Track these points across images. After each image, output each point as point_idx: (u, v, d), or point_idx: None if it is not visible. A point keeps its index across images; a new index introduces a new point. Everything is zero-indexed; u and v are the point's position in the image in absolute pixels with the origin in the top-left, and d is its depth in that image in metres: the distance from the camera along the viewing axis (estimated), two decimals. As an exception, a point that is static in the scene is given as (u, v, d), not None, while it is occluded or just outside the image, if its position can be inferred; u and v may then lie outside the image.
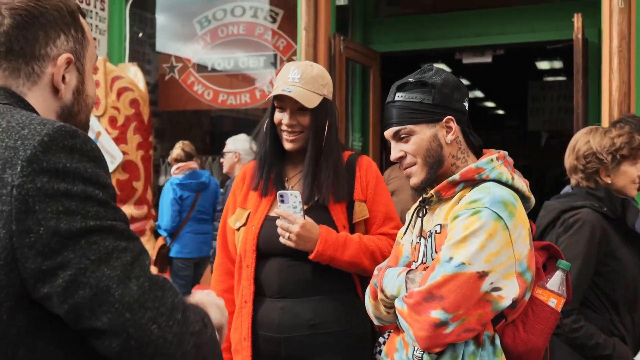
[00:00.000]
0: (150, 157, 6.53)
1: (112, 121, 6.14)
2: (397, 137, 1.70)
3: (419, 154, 1.67)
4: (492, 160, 1.64)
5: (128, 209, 5.97)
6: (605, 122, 5.20)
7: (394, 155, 1.71)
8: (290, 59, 6.58)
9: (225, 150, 4.84)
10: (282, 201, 2.00)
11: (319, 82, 2.07)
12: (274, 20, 6.69)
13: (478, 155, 1.73)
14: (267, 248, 2.07)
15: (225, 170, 4.87)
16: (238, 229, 2.14)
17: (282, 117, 2.07)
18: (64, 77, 1.15)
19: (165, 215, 5.00)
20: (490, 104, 16.64)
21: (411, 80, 1.68)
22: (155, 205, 7.09)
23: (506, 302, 1.52)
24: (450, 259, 1.51)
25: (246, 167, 2.25)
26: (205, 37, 7.01)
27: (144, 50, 7.46)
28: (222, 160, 4.84)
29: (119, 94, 6.18)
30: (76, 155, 0.99)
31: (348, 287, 2.10)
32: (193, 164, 5.20)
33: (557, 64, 11.55)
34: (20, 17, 1.09)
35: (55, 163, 0.96)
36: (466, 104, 1.70)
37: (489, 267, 1.49)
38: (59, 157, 0.97)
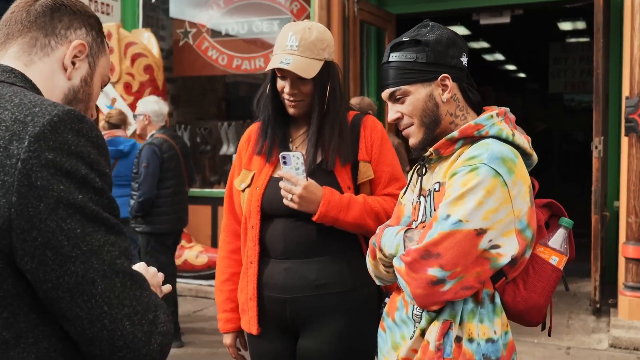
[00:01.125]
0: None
1: (127, 87, 6.16)
2: (393, 98, 1.68)
3: (415, 114, 1.65)
4: (491, 116, 1.62)
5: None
6: (626, 82, 5.09)
7: (391, 116, 1.69)
8: (304, 23, 6.50)
9: (135, 112, 5.02)
10: (285, 163, 1.99)
11: (318, 47, 2.03)
12: (288, -17, 6.61)
13: (478, 112, 1.70)
14: (271, 209, 2.07)
15: (138, 132, 5.09)
16: (243, 190, 2.14)
17: (284, 85, 2.05)
18: (74, 63, 1.22)
19: None
20: (511, 67, 16.38)
21: (405, 39, 1.65)
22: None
23: (505, 260, 1.51)
24: (448, 216, 1.50)
25: (251, 129, 2.24)
26: (219, 2, 6.96)
27: (157, 16, 7.43)
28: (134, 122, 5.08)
29: (133, 60, 6.20)
30: (82, 139, 1.03)
31: (353, 248, 2.09)
32: (118, 132, 5.36)
33: (580, 25, 11.29)
34: (52, 0, 1.22)
35: (62, 143, 1.00)
36: (464, 60, 1.67)
37: (487, 224, 1.48)
38: (66, 137, 1.01)
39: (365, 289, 2.07)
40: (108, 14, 6.84)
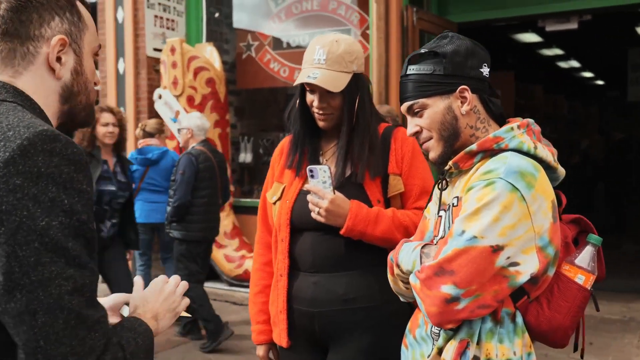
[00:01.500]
0: (227, 134, 6.68)
1: (190, 100, 6.31)
2: (411, 111, 1.64)
3: (433, 127, 1.60)
4: (511, 128, 1.55)
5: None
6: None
7: (410, 130, 1.65)
8: (364, 33, 6.51)
9: (179, 127, 5.32)
10: (312, 176, 1.98)
11: (346, 60, 2.01)
12: (347, -6, 6.62)
13: (501, 124, 1.64)
14: (300, 222, 2.06)
15: (181, 145, 5.38)
16: (274, 203, 2.15)
17: (313, 99, 2.05)
18: (60, 58, 1.18)
19: None
20: (587, 74, 15.79)
21: (423, 51, 1.61)
22: (236, 181, 7.26)
23: (523, 278, 1.44)
24: (463, 232, 1.45)
25: (283, 142, 2.25)
26: (280, 15, 7.05)
27: (221, 30, 7.59)
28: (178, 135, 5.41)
29: (196, 73, 6.34)
30: (55, 158, 1.01)
31: (382, 263, 2.02)
32: (151, 141, 5.61)
33: (661, 29, 10.77)
34: (14, 0, 1.15)
35: (31, 166, 0.99)
36: (484, 70, 1.61)
37: (504, 240, 1.42)
38: (36, 160, 1.00)
39: (393, 305, 2.02)
40: (173, 29, 7.05)
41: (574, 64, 14.32)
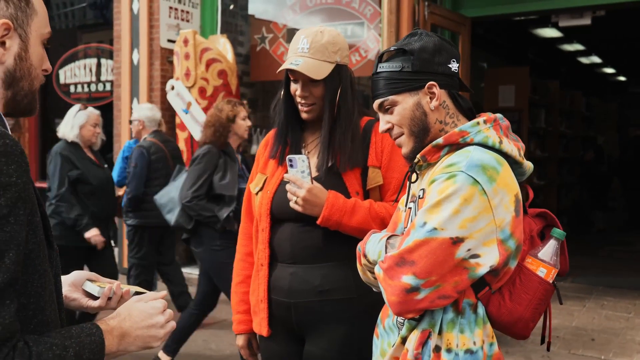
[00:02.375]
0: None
1: (202, 92, 6.37)
2: (382, 108, 1.67)
3: (404, 123, 1.64)
4: (477, 123, 1.58)
5: (217, 177, 6.19)
6: None
7: (381, 127, 1.69)
8: (377, 27, 6.51)
9: (131, 118, 5.41)
10: (291, 165, 2.02)
11: (330, 50, 2.04)
12: (360, -12, 6.63)
13: (471, 118, 1.66)
14: (280, 213, 2.10)
15: (133, 136, 5.46)
16: (257, 194, 2.19)
17: (296, 88, 2.08)
18: (4, 43, 1.16)
19: (115, 170, 5.66)
20: (609, 70, 15.59)
21: (392, 49, 1.65)
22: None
23: (483, 270, 1.47)
24: (424, 223, 1.48)
25: (269, 134, 2.28)
26: (295, 7, 7.08)
27: (236, 22, 7.64)
28: (130, 127, 5.48)
29: (208, 65, 6.40)
30: None
31: (360, 254, 2.08)
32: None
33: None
34: None
35: None
36: (453, 66, 1.63)
37: (464, 233, 1.44)
38: None
39: (369, 297, 2.04)
40: (188, 20, 7.11)
41: (595, 59, 14.15)
